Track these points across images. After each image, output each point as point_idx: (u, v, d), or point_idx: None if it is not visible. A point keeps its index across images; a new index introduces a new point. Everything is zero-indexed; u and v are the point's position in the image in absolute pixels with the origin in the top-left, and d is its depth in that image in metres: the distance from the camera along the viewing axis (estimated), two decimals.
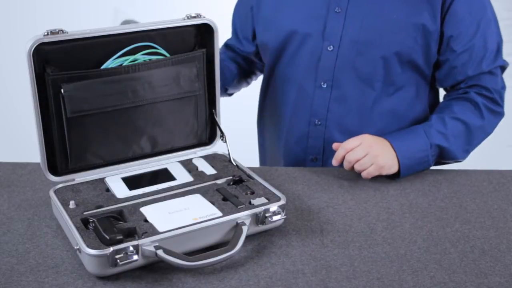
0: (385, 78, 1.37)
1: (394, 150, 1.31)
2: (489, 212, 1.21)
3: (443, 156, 1.37)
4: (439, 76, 1.42)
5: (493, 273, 1.02)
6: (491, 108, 1.38)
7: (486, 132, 1.41)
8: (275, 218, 1.10)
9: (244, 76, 1.63)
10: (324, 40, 1.37)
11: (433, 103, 1.48)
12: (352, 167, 1.30)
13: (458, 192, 1.28)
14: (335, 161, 1.32)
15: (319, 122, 1.42)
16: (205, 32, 1.24)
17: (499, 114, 1.41)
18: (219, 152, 1.33)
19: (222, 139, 1.31)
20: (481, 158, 2.72)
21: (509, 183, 1.32)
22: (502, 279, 1.01)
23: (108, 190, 1.18)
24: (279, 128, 1.52)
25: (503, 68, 1.42)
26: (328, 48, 1.37)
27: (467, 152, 1.39)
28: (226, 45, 1.62)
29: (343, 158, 1.31)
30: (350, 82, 1.38)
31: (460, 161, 1.42)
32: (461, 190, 1.29)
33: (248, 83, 1.68)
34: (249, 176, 1.23)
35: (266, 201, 1.13)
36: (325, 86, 1.40)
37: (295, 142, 1.48)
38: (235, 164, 1.28)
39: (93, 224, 1.04)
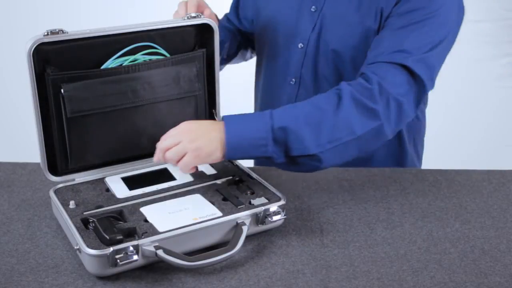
0: (340, 81, 1.28)
1: (225, 132, 1.10)
2: (489, 212, 1.21)
3: (290, 143, 1.11)
4: None
5: (493, 273, 1.02)
6: (360, 100, 1.14)
7: (349, 128, 1.13)
8: (275, 218, 1.10)
9: (237, 45, 1.60)
10: (296, 37, 1.39)
11: None
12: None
13: (458, 192, 1.28)
14: (155, 157, 1.14)
15: None
16: (205, 32, 1.24)
17: (372, 112, 1.14)
18: None
19: None
20: (481, 158, 2.73)
21: (509, 183, 1.32)
22: (502, 279, 1.01)
23: (108, 190, 1.18)
24: None
25: (413, 74, 1.18)
26: (299, 46, 1.39)
27: (321, 146, 1.12)
28: (227, 17, 1.63)
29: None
30: (313, 82, 1.39)
31: (315, 156, 1.13)
32: (461, 190, 1.29)
33: (244, 56, 1.66)
34: (249, 176, 1.23)
35: (266, 201, 1.13)
36: (292, 83, 1.42)
37: None
38: (235, 164, 1.28)
39: (93, 224, 1.04)
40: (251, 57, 1.68)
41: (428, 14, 1.20)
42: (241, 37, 1.59)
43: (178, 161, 1.10)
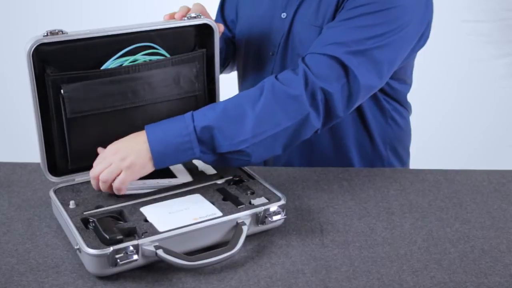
0: None
1: (148, 142, 1.11)
2: (489, 212, 1.21)
3: (217, 141, 1.12)
4: None
5: (493, 273, 1.02)
6: (283, 90, 1.13)
7: (273, 120, 1.12)
8: (275, 218, 1.10)
9: (231, 54, 1.59)
10: (268, 45, 1.39)
11: (366, 109, 1.38)
12: (109, 187, 1.12)
13: (458, 192, 1.28)
14: (93, 185, 1.14)
15: None
16: (205, 32, 1.24)
17: (297, 100, 1.12)
18: None
19: None
20: (481, 158, 2.73)
21: (509, 183, 1.32)
22: (502, 279, 1.01)
23: None
24: None
25: (345, 67, 1.14)
26: (270, 53, 1.39)
27: (247, 141, 1.11)
28: None
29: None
30: None
31: (243, 152, 1.12)
32: (461, 190, 1.29)
33: (234, 66, 1.63)
34: (249, 176, 1.23)
35: (266, 201, 1.13)
36: None
37: None
38: None
39: (93, 224, 1.04)
40: None
41: (377, 8, 1.16)
42: (233, 46, 1.58)
43: (113, 180, 1.11)
